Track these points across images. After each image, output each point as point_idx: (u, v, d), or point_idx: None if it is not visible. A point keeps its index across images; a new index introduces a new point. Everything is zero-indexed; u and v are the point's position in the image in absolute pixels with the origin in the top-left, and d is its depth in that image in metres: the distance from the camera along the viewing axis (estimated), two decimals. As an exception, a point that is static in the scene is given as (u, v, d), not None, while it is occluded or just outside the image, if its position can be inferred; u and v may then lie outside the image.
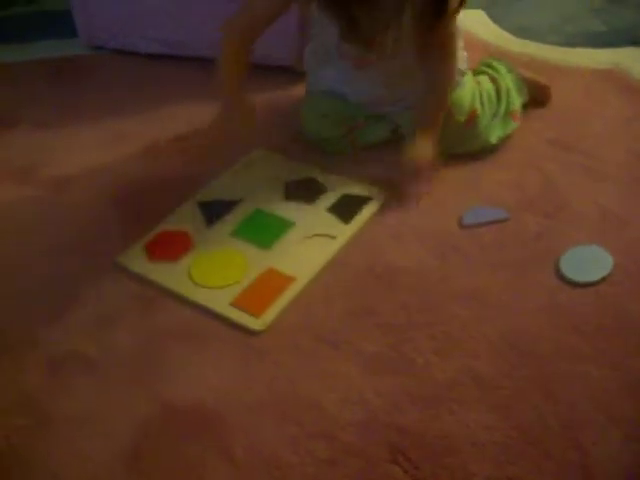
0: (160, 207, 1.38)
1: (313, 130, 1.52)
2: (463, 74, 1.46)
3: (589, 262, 1.25)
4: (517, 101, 1.53)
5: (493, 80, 1.50)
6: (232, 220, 1.35)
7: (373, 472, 0.95)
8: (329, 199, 1.39)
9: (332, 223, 1.34)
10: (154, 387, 1.06)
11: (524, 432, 0.99)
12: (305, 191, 1.41)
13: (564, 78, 1.78)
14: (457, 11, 1.25)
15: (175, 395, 1.05)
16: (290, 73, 1.77)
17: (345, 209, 1.37)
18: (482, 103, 1.47)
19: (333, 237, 1.30)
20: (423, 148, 1.36)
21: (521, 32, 1.96)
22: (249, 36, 1.36)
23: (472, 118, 1.45)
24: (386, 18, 1.21)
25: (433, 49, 1.33)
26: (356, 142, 1.52)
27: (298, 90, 1.71)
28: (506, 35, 1.96)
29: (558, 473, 0.94)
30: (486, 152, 1.50)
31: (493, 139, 1.49)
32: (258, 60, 1.78)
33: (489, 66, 1.54)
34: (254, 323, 1.14)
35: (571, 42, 1.95)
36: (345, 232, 1.32)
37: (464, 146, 1.48)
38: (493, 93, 1.49)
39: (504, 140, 1.51)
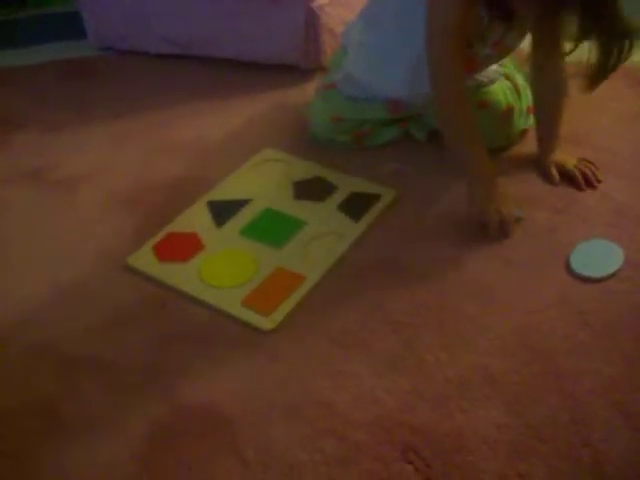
0: (170, 207, 1.38)
1: (320, 133, 1.53)
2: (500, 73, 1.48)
3: (599, 257, 1.24)
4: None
5: (508, 78, 1.50)
6: (242, 220, 1.35)
7: (385, 470, 0.95)
8: (339, 197, 1.39)
9: (342, 221, 1.34)
10: (166, 388, 1.07)
11: (534, 429, 0.99)
12: (315, 190, 1.41)
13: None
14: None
15: (187, 396, 1.06)
16: (296, 71, 1.78)
17: (355, 207, 1.37)
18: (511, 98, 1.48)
19: (343, 235, 1.31)
20: (568, 155, 1.43)
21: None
22: (459, 61, 1.29)
23: (509, 112, 1.47)
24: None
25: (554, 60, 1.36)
26: (364, 144, 1.53)
27: (306, 88, 1.71)
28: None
29: (569, 470, 0.94)
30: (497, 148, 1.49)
31: (518, 132, 1.51)
32: (266, 59, 1.80)
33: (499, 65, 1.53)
34: (264, 322, 1.15)
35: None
36: (355, 230, 1.32)
37: (498, 141, 1.47)
38: (513, 89, 1.49)
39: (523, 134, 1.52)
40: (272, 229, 1.33)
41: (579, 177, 1.40)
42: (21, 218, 1.40)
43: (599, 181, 1.40)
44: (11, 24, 2.14)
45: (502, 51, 1.40)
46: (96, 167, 1.52)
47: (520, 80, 1.51)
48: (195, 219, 1.35)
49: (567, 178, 1.41)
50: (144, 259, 1.27)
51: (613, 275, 1.21)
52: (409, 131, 1.53)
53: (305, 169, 1.47)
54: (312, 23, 1.71)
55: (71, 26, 2.02)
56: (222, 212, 1.37)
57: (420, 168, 1.46)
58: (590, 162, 1.43)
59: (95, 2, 1.88)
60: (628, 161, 1.47)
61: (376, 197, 1.39)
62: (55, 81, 1.84)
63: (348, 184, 1.42)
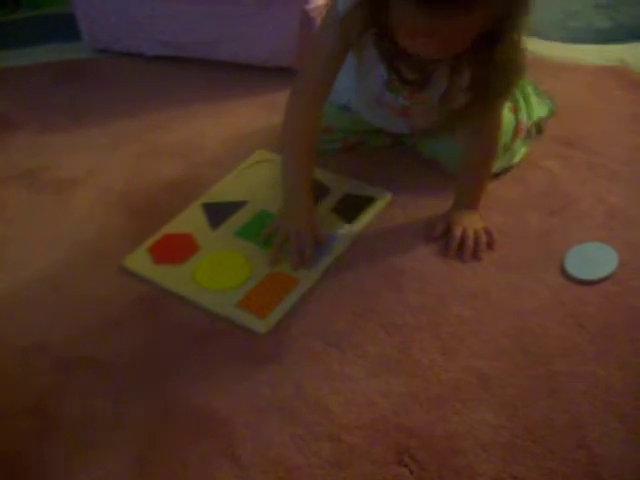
0: (165, 209, 1.38)
1: None
2: None
3: (594, 260, 1.24)
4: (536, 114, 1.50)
5: (514, 110, 1.42)
6: (237, 222, 1.35)
7: (380, 473, 0.95)
8: (332, 199, 1.39)
9: (336, 223, 1.34)
10: (161, 390, 1.07)
11: (530, 431, 0.99)
12: (309, 192, 1.41)
13: (569, 75, 1.78)
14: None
15: (182, 398, 1.05)
16: (290, 73, 1.77)
17: (348, 209, 1.37)
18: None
19: (337, 238, 1.30)
20: (472, 219, 1.31)
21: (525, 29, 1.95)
22: (320, 97, 1.27)
23: None
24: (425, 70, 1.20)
25: (479, 118, 1.24)
26: (353, 150, 1.53)
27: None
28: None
29: (564, 472, 0.94)
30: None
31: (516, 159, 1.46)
32: (261, 61, 1.81)
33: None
34: (259, 325, 1.15)
35: (575, 38, 1.95)
36: (349, 232, 1.32)
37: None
38: (511, 127, 1.41)
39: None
40: (267, 231, 1.32)
41: (453, 244, 1.28)
42: (16, 219, 1.40)
43: (478, 258, 1.27)
44: (5, 25, 2.14)
45: (425, 99, 1.28)
46: (92, 168, 1.52)
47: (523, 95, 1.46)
48: (190, 221, 1.35)
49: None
50: (139, 261, 1.27)
51: (607, 278, 1.22)
52: (399, 138, 1.53)
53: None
54: (306, 25, 1.71)
55: (66, 28, 2.02)
56: (217, 214, 1.36)
57: (413, 171, 1.47)
58: (491, 236, 1.29)
59: (90, 4, 1.87)
60: (623, 164, 1.48)
61: (370, 199, 1.39)
62: (50, 83, 1.84)
63: (342, 185, 1.42)
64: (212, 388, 1.07)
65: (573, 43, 1.92)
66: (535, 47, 1.87)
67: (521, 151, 1.47)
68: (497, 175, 1.42)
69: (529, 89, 1.49)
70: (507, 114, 1.38)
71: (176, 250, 1.28)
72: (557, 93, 1.65)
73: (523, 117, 1.44)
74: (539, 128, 1.54)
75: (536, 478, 0.94)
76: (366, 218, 1.35)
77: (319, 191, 1.41)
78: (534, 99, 1.50)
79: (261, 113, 1.68)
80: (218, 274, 1.24)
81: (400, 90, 1.27)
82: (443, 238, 1.30)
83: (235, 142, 1.58)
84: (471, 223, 1.30)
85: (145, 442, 1.00)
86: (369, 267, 1.26)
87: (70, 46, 1.98)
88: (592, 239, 1.29)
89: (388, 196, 1.40)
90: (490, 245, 1.29)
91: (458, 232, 1.28)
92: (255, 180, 1.45)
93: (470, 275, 1.24)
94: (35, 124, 1.68)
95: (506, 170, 1.45)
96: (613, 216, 1.35)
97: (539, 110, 1.51)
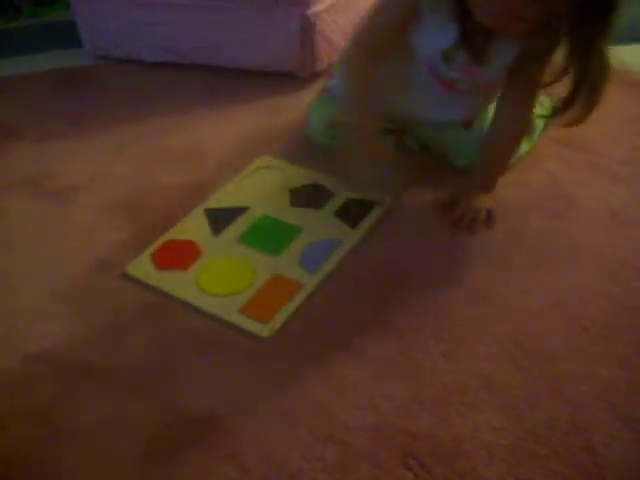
0: (167, 215, 1.38)
1: (315, 137, 1.53)
2: None
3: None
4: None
5: None
6: (239, 227, 1.35)
7: (384, 477, 0.95)
8: (335, 204, 1.40)
9: (339, 228, 1.34)
10: (165, 396, 1.07)
11: (533, 434, 0.99)
12: (311, 196, 1.42)
13: (569, 75, 1.77)
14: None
15: (185, 403, 1.05)
16: (292, 78, 1.78)
17: (351, 213, 1.37)
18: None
19: (340, 242, 1.31)
20: (481, 200, 1.37)
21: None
22: (375, 54, 1.28)
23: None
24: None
25: (517, 98, 1.30)
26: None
27: (300, 95, 1.72)
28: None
29: (568, 474, 0.94)
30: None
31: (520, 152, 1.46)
32: (262, 67, 1.81)
33: None
34: (262, 330, 1.15)
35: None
36: (352, 236, 1.32)
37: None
38: None
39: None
40: (270, 236, 1.33)
41: (455, 217, 1.36)
42: (19, 227, 1.40)
43: (473, 231, 1.34)
44: (6, 33, 2.15)
45: (475, 78, 1.29)
46: (94, 175, 1.52)
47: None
48: (193, 227, 1.36)
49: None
50: (142, 267, 1.27)
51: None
52: (402, 140, 1.53)
53: (301, 176, 1.47)
54: (307, 31, 1.72)
55: (67, 35, 2.03)
56: (219, 220, 1.37)
57: (415, 175, 1.47)
58: (491, 217, 1.35)
59: (90, 11, 1.88)
60: (623, 165, 1.48)
61: (372, 203, 1.39)
62: (51, 90, 1.84)
63: (344, 190, 1.43)
64: (215, 393, 1.07)
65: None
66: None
67: (523, 147, 1.47)
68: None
69: None
70: None
71: (179, 256, 1.29)
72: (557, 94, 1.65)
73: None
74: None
75: (540, 480, 0.94)
76: (369, 222, 1.35)
77: (322, 195, 1.42)
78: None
79: (263, 118, 1.68)
80: (221, 279, 1.24)
81: (453, 60, 1.26)
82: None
83: (237, 147, 1.59)
84: (486, 202, 1.36)
85: (148, 448, 1.00)
86: (372, 270, 1.26)
87: (71, 53, 1.99)
88: (593, 240, 1.29)
89: (390, 200, 1.40)
90: (488, 225, 1.34)
91: (463, 211, 1.35)
92: (257, 186, 1.46)
93: (473, 277, 1.24)
94: (36, 132, 1.68)
95: None
96: (615, 217, 1.35)
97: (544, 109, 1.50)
